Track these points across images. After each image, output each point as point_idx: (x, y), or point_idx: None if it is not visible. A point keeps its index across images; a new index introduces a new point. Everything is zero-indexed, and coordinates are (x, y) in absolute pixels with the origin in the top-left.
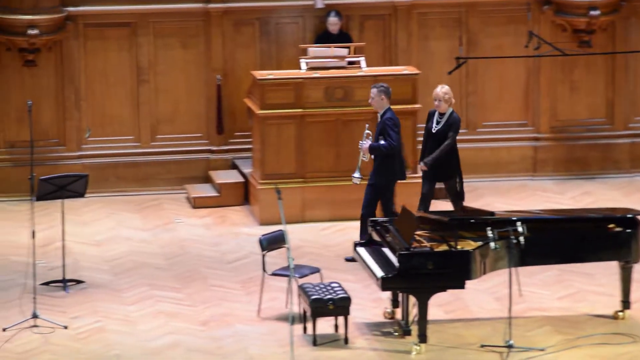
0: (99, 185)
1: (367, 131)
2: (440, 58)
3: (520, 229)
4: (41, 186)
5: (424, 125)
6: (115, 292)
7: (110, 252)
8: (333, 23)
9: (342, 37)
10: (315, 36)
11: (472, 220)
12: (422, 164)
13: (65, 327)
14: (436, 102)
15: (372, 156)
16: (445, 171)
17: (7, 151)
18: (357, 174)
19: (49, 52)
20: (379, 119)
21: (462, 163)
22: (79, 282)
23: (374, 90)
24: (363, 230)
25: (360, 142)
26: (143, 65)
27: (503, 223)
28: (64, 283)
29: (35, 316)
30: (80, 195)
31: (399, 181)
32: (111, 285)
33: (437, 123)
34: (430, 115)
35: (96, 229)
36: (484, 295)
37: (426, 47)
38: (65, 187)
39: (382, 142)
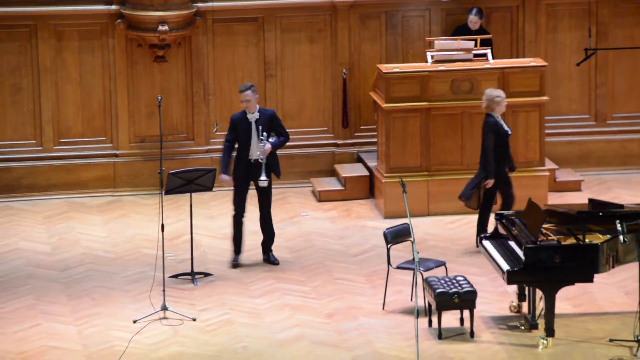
0: None
1: (264, 133)
2: (569, 49)
3: None
4: (170, 180)
5: (493, 130)
6: (242, 285)
7: None
8: (474, 22)
9: (481, 33)
10: (452, 29)
11: (600, 213)
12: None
13: (194, 319)
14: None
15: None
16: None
17: (138, 145)
18: (264, 177)
19: (178, 48)
20: (255, 118)
21: (591, 155)
22: (207, 274)
23: (249, 93)
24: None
25: (260, 144)
26: (270, 60)
27: (633, 216)
28: (193, 276)
29: (164, 308)
30: (209, 189)
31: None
32: (238, 278)
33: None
34: (497, 120)
35: (223, 222)
36: (612, 289)
37: (554, 38)
38: (194, 181)
39: (273, 138)
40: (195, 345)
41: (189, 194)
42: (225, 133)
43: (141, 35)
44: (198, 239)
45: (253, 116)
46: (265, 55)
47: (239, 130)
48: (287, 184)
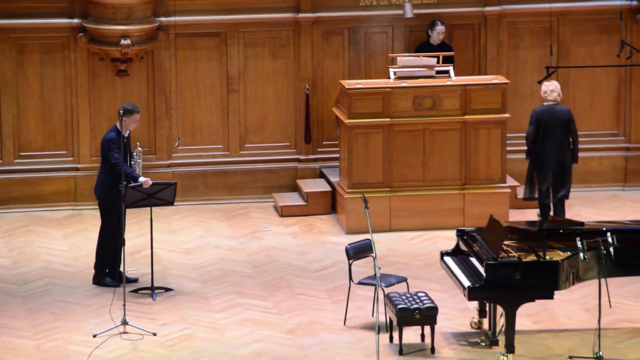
0: (188, 194)
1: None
2: (531, 67)
3: (610, 240)
4: (130, 194)
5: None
6: (203, 300)
7: (199, 260)
8: (441, 32)
9: (443, 48)
10: (415, 45)
11: (561, 231)
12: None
13: (154, 334)
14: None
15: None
16: None
17: (99, 159)
18: None
19: (140, 62)
20: (125, 135)
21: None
22: (167, 289)
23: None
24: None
25: (139, 161)
26: (233, 74)
27: (593, 234)
28: (152, 290)
29: (125, 323)
30: (169, 203)
31: None
32: (199, 293)
33: None
34: None
35: (185, 237)
36: (572, 306)
37: (516, 56)
38: (154, 195)
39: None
40: None
41: (149, 208)
42: (116, 152)
43: (103, 49)
44: (159, 254)
45: (125, 135)
46: (228, 70)
47: (121, 152)
48: (249, 199)
